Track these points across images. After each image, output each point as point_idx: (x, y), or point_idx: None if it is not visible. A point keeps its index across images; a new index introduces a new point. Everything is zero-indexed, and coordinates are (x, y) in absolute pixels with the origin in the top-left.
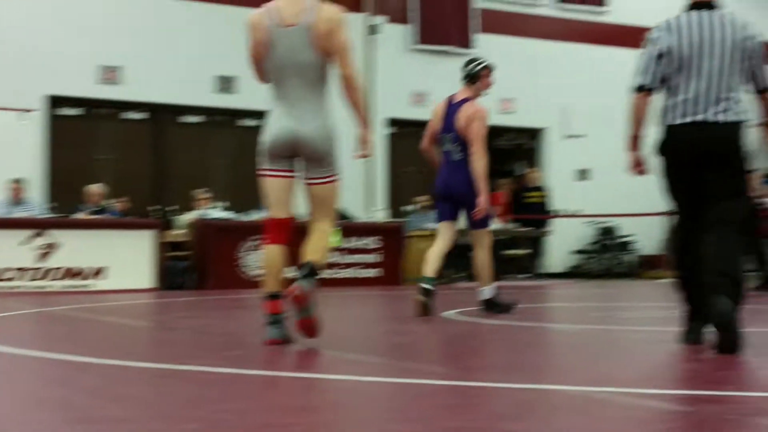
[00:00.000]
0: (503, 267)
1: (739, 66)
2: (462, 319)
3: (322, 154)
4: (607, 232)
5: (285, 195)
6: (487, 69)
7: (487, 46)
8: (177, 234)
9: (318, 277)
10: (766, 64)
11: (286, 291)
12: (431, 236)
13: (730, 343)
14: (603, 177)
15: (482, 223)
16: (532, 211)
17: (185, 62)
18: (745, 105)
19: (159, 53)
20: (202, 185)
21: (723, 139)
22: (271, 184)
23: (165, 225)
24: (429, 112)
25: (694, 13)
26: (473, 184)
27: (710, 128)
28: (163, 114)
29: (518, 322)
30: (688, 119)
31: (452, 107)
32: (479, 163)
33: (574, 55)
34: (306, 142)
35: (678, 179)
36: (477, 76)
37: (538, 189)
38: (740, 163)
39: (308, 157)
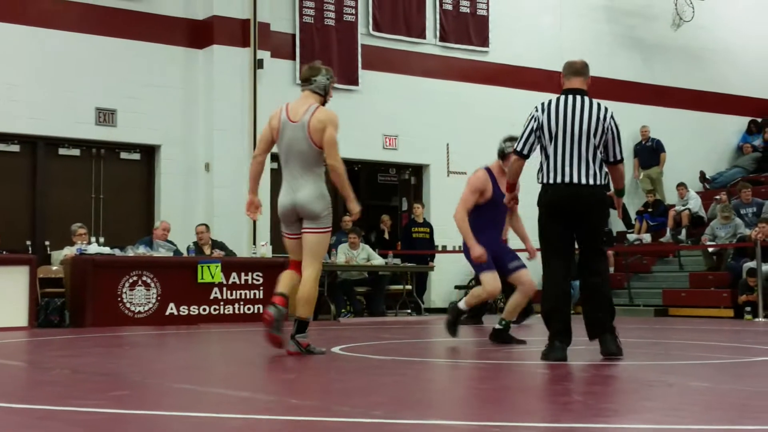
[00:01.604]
0: (387, 302)
1: (598, 140)
2: (349, 355)
3: (315, 213)
4: None
5: (296, 249)
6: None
7: (372, 82)
8: (54, 270)
9: (306, 326)
10: (619, 142)
11: (264, 312)
12: None
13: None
14: None
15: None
16: (419, 247)
17: (64, 93)
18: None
19: (36, 84)
20: (80, 219)
21: (588, 197)
22: (286, 243)
23: (41, 260)
24: None
25: (566, 97)
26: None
27: (578, 188)
28: (39, 146)
29: (404, 357)
30: (559, 179)
31: None
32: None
33: (455, 93)
34: (302, 205)
35: (551, 226)
36: (504, 155)
37: (426, 224)
38: (602, 215)
39: (305, 216)
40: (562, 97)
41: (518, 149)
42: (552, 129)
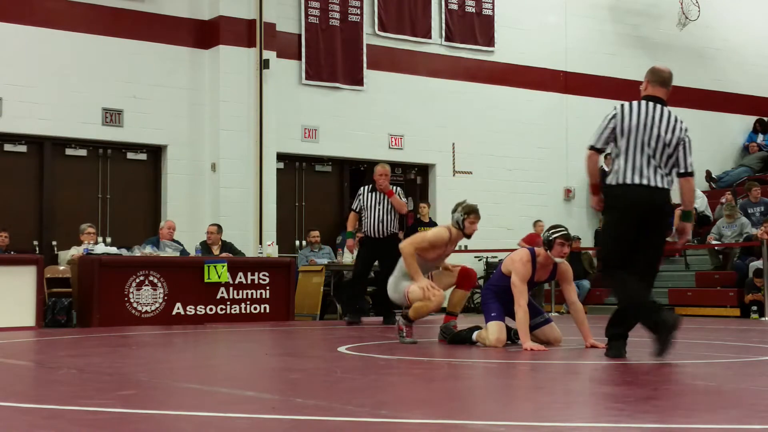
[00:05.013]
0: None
1: (672, 150)
2: (355, 355)
3: None
4: (494, 266)
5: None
6: (562, 238)
7: (377, 82)
8: (62, 270)
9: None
10: (691, 154)
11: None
12: (321, 271)
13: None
14: (488, 213)
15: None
16: None
17: (70, 94)
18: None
19: (43, 84)
20: (87, 219)
21: (662, 200)
22: None
23: (49, 260)
24: (320, 147)
25: (647, 104)
26: None
27: (654, 190)
28: (46, 146)
29: (410, 357)
30: (637, 180)
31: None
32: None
33: (461, 92)
34: None
35: (624, 228)
36: (551, 243)
37: (433, 224)
38: (667, 224)
39: None
40: (643, 103)
41: (594, 144)
42: (632, 131)
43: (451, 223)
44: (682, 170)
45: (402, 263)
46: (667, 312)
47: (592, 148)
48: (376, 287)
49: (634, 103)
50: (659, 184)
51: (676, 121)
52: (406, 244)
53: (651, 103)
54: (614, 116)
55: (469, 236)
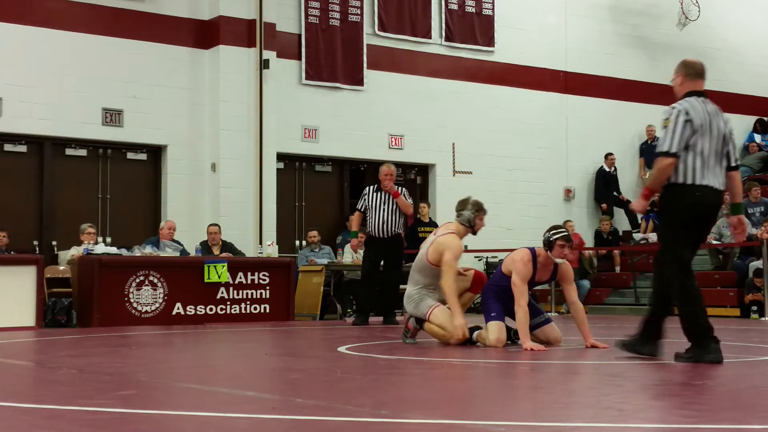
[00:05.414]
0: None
1: (727, 143)
2: (355, 355)
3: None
4: (494, 266)
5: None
6: (562, 240)
7: (377, 82)
8: (62, 270)
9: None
10: (736, 146)
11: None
12: (321, 271)
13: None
14: (489, 213)
15: None
16: None
17: (70, 94)
18: None
19: (43, 84)
20: (87, 219)
21: (720, 202)
22: None
23: (49, 260)
24: (320, 147)
25: (697, 98)
26: None
27: (720, 195)
28: (46, 146)
29: (410, 357)
30: (706, 182)
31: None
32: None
33: (461, 92)
34: None
35: (687, 232)
36: (551, 244)
37: (433, 224)
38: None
39: None
40: (696, 99)
41: (672, 150)
42: (698, 130)
43: (459, 221)
44: (733, 163)
45: (415, 276)
46: (716, 348)
47: (671, 154)
48: (379, 287)
49: (690, 99)
50: (720, 187)
51: (721, 112)
52: (447, 283)
53: (701, 98)
54: (684, 116)
55: (476, 233)
